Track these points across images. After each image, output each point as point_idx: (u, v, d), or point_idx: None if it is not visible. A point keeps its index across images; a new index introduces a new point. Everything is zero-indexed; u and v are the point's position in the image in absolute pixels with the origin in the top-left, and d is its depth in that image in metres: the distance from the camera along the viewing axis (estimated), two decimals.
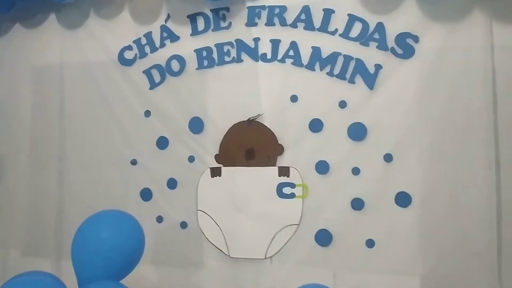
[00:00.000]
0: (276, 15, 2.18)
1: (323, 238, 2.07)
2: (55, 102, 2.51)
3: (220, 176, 2.23)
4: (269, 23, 2.19)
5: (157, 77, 2.35)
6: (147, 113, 2.36)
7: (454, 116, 1.92)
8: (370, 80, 2.04)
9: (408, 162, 1.98)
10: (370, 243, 2.01)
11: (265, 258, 2.14)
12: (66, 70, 2.50)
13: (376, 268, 1.99)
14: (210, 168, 2.24)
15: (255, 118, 2.18)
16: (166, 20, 2.35)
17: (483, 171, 1.88)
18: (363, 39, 2.06)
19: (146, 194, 2.34)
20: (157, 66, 2.35)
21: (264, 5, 2.20)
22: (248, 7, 2.22)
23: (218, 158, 2.24)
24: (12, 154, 2.59)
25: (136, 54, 2.39)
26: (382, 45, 2.03)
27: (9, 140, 2.60)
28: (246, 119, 2.19)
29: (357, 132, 2.05)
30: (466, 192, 1.90)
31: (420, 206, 1.96)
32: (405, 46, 2.00)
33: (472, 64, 1.92)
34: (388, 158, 2.00)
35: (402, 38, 2.01)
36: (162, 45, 2.35)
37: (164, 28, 2.35)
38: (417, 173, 1.96)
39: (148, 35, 2.37)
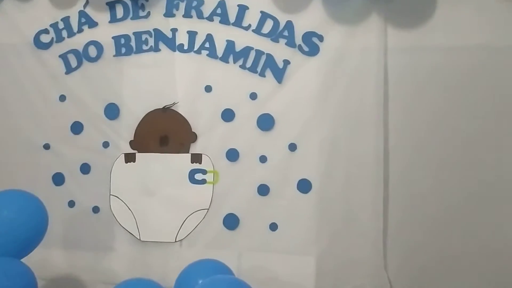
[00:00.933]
0: (194, 8, 2.26)
1: (231, 222, 2.18)
2: None
3: (134, 162, 2.28)
4: (187, 15, 2.27)
5: (73, 62, 2.35)
6: (62, 98, 2.35)
7: (349, 111, 2.11)
8: (279, 74, 2.18)
9: (309, 151, 2.14)
10: (273, 226, 2.15)
11: (175, 241, 2.21)
12: None
13: (278, 249, 2.13)
14: (124, 154, 2.29)
15: (170, 106, 2.25)
16: (84, 6, 2.36)
17: (373, 162, 2.07)
18: (274, 35, 2.19)
19: (58, 179, 2.33)
20: (74, 51, 2.35)
21: None
22: None
23: (132, 144, 2.28)
24: None
25: (52, 38, 2.37)
26: (291, 42, 2.18)
27: None
28: (161, 107, 2.26)
29: (265, 122, 2.18)
30: (357, 180, 2.09)
31: (317, 192, 2.12)
32: (310, 44, 2.16)
33: (368, 63, 2.10)
34: (292, 147, 2.15)
35: (308, 36, 2.16)
36: (80, 30, 2.36)
37: (82, 14, 2.35)
38: (316, 162, 2.13)
39: (66, 20, 2.36)
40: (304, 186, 2.13)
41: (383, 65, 2.10)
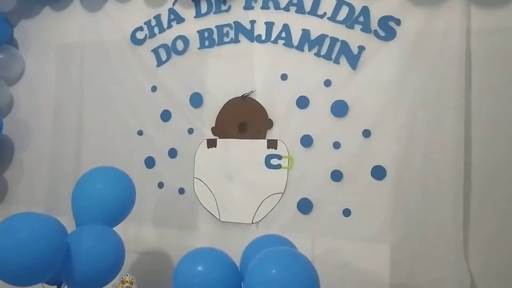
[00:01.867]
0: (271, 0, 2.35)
1: (304, 206, 2.23)
2: (75, 76, 2.78)
3: (215, 147, 2.43)
4: (264, 6, 2.36)
5: (163, 56, 2.57)
6: (154, 88, 2.59)
7: (428, 96, 2.04)
8: (353, 60, 2.18)
9: (384, 138, 2.11)
10: (346, 212, 2.15)
11: (252, 223, 2.32)
12: (86, 49, 2.76)
13: (350, 235, 2.13)
14: (207, 139, 2.45)
15: (249, 94, 2.36)
16: (173, 4, 2.56)
17: (453, 149, 1.98)
18: (349, 22, 2.20)
19: (149, 162, 2.57)
20: (164, 46, 2.57)
21: None
22: None
23: (214, 130, 2.44)
24: (37, 122, 2.89)
25: (146, 35, 2.62)
26: (366, 28, 2.16)
27: (35, 110, 2.90)
28: (240, 95, 2.38)
29: (339, 109, 2.19)
30: (436, 168, 2.01)
31: (393, 179, 2.08)
32: (387, 28, 2.13)
33: (449, 46, 2.02)
34: (366, 133, 2.14)
35: (384, 21, 2.13)
36: (169, 26, 2.57)
37: (171, 11, 2.56)
38: (392, 149, 2.09)
39: (158, 17, 2.59)
40: (378, 173, 2.11)
41: (465, 48, 1.99)
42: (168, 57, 2.56)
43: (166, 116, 2.55)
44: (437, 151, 2.02)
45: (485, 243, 1.94)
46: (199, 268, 1.52)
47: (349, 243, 2.14)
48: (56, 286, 1.81)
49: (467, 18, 2.00)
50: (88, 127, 2.75)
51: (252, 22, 2.39)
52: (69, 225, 2.62)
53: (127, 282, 1.88)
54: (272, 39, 2.34)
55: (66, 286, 1.77)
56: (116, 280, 1.87)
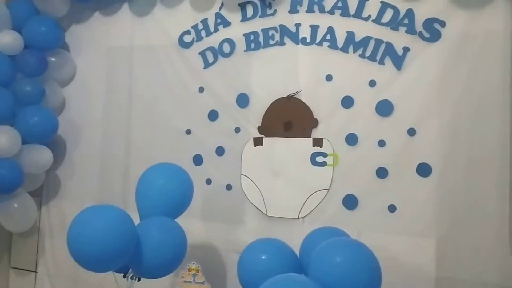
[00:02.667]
0: (316, 3, 2.44)
1: (350, 202, 2.32)
2: (125, 79, 2.92)
3: (261, 145, 2.54)
4: (309, 10, 2.45)
5: (210, 58, 2.69)
6: (201, 89, 2.71)
7: (473, 95, 2.10)
8: (398, 61, 2.26)
9: (429, 136, 2.18)
10: (392, 208, 2.23)
11: (298, 218, 2.42)
12: (134, 52, 2.90)
13: (396, 230, 2.21)
14: (253, 138, 2.55)
15: (294, 95, 2.46)
16: (220, 8, 2.68)
17: (497, 146, 2.05)
18: (394, 24, 2.27)
19: (197, 160, 2.69)
20: (211, 48, 2.69)
21: None
22: None
23: (260, 129, 2.54)
24: (88, 122, 3.04)
25: (193, 38, 2.74)
26: (411, 30, 2.24)
27: (87, 111, 3.05)
28: (286, 96, 2.48)
29: (384, 108, 2.27)
30: (481, 165, 2.08)
31: (438, 176, 2.15)
32: (432, 30, 2.20)
33: (493, 47, 2.08)
34: (411, 132, 2.21)
35: (429, 23, 2.20)
36: (216, 30, 2.68)
37: (218, 15, 2.68)
38: (437, 146, 2.16)
39: (204, 21, 2.71)
40: (423, 170, 2.18)
41: (510, 49, 2.05)
42: (215, 59, 2.68)
43: (213, 115, 2.67)
44: (482, 148, 2.09)
45: None
46: (263, 257, 1.62)
47: (394, 237, 2.22)
48: (122, 274, 1.94)
49: (511, 19, 2.06)
50: (137, 126, 2.87)
51: (297, 25, 2.48)
52: None
53: (193, 270, 2.00)
54: (317, 41, 2.43)
55: (131, 274, 1.90)
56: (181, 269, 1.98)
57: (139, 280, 1.93)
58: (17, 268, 3.24)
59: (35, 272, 3.18)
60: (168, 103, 2.79)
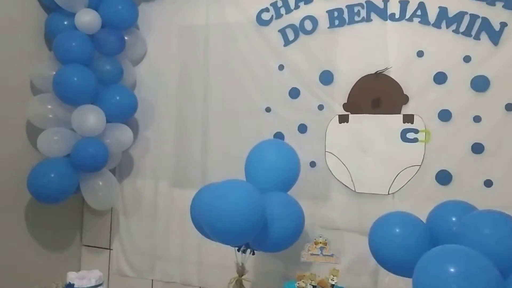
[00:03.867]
0: None
1: (444, 177, 2.34)
2: (200, 57, 2.91)
3: (347, 122, 2.55)
4: None
5: (291, 35, 2.68)
6: (281, 67, 2.71)
7: None
8: (495, 36, 2.25)
9: None
10: (488, 183, 2.26)
11: (388, 194, 2.45)
12: (210, 30, 2.88)
13: (493, 204, 2.19)
14: (339, 115, 2.57)
15: (383, 71, 2.46)
16: None
17: None
18: None
19: (279, 137, 2.70)
20: (291, 26, 2.68)
21: None
22: None
23: (346, 106, 2.55)
24: (162, 101, 3.05)
25: (272, 16, 2.73)
26: (508, 4, 2.22)
27: (160, 90, 3.06)
28: (373, 72, 2.48)
29: (480, 83, 2.27)
30: None
31: None
32: None
33: None
34: (509, 107, 2.22)
35: None
36: (297, 7, 2.67)
37: None
38: None
39: None
40: None
41: None
42: (296, 36, 2.67)
43: (294, 93, 2.67)
44: None
45: None
46: (396, 230, 1.66)
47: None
48: (237, 248, 1.98)
49: None
50: (214, 104, 2.88)
51: (385, 1, 2.47)
52: None
53: (320, 243, 2.04)
54: (407, 17, 2.42)
55: (247, 248, 1.94)
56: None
57: (253, 254, 1.98)
58: (89, 246, 3.31)
59: (109, 249, 3.24)
60: (246, 81, 2.79)
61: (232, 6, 2.83)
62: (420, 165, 2.39)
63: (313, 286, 1.90)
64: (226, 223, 1.68)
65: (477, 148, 2.28)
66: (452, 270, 1.30)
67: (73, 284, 1.92)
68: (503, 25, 2.23)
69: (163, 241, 3.05)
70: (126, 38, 2.93)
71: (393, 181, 2.44)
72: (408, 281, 2.05)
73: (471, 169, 2.29)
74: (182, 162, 2.99)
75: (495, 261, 1.34)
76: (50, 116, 2.63)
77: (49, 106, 2.63)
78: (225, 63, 2.86)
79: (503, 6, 2.24)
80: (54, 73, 2.61)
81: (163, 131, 3.05)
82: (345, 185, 2.54)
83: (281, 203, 1.88)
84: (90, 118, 2.59)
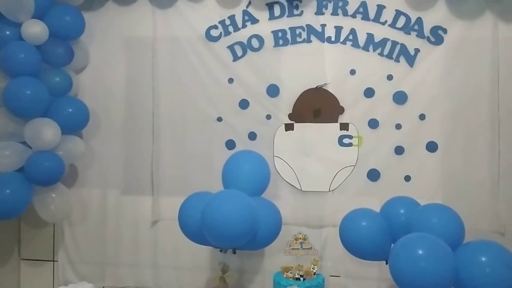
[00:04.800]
0: (340, 7, 2.85)
1: (373, 175, 2.84)
2: (147, 67, 3.02)
3: (292, 130, 2.91)
4: (334, 13, 2.85)
5: (239, 52, 2.95)
6: (230, 80, 2.96)
7: (468, 88, 2.73)
8: (411, 59, 2.79)
9: (435, 119, 2.77)
10: (407, 178, 2.80)
11: (329, 190, 2.87)
12: (157, 42, 3.01)
13: (411, 195, 2.69)
14: (285, 124, 2.91)
15: (322, 86, 2.86)
16: (247, 6, 2.93)
17: (488, 126, 2.71)
18: (406, 29, 2.79)
19: (230, 144, 2.96)
20: (240, 43, 2.94)
21: None
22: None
23: (291, 116, 2.91)
24: (107, 111, 3.08)
25: (221, 32, 2.96)
26: (420, 34, 2.78)
27: (105, 100, 3.08)
28: (314, 87, 2.87)
29: (400, 97, 2.80)
30: (476, 142, 2.73)
31: (443, 151, 2.76)
32: (436, 35, 2.76)
33: (483, 50, 2.71)
34: (422, 117, 2.78)
35: (435, 29, 2.76)
36: (244, 26, 2.94)
37: (245, 12, 2.93)
38: (442, 128, 2.76)
39: (232, 18, 2.94)
40: (431, 147, 2.77)
41: (496, 53, 2.70)
42: (244, 53, 2.95)
43: (244, 104, 2.95)
44: (476, 128, 2.73)
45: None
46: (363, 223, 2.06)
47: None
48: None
49: (496, 29, 2.70)
50: (164, 114, 3.00)
51: (323, 25, 2.87)
52: (155, 205, 2.97)
53: (300, 238, 2.34)
54: (341, 40, 2.85)
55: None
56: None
57: (234, 253, 2.23)
58: (29, 259, 3.22)
59: (53, 261, 3.19)
60: (197, 93, 2.98)
61: (180, 21, 2.99)
62: (354, 165, 2.85)
63: (301, 275, 2.24)
64: (230, 228, 1.91)
65: (399, 150, 2.81)
66: (420, 252, 1.74)
67: None
68: (417, 50, 2.78)
69: (114, 248, 3.10)
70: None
71: (333, 179, 2.86)
72: (346, 264, 2.54)
73: (394, 167, 2.81)
74: (132, 170, 3.07)
75: (444, 240, 1.81)
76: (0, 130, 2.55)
77: None
78: (175, 74, 3.01)
79: (416, 35, 2.78)
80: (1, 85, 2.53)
81: (110, 140, 3.09)
82: (292, 185, 2.90)
83: (265, 206, 2.16)
84: (47, 131, 2.57)
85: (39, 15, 2.71)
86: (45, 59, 2.74)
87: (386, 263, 2.05)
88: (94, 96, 3.11)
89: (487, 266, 1.78)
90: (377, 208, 2.54)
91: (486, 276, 1.77)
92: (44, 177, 2.59)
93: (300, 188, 2.90)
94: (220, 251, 2.33)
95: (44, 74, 2.72)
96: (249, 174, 2.31)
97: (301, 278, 2.28)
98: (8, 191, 2.49)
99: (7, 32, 2.66)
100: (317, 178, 2.88)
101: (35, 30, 2.64)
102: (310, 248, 2.37)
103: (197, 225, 2.09)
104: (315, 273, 2.32)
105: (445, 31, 2.76)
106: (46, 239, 3.21)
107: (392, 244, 2.05)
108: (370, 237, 2.12)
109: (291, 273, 2.29)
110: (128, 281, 3.10)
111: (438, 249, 1.76)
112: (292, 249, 2.35)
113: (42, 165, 2.57)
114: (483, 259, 1.80)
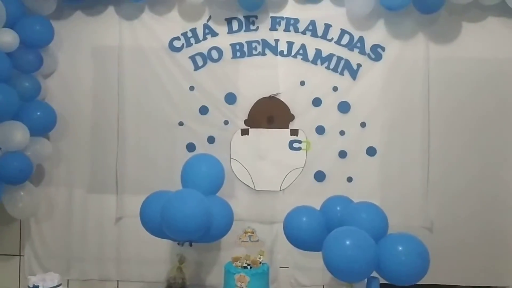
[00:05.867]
0: (292, 25, 3.14)
1: (319, 176, 3.15)
2: (113, 75, 3.22)
3: (248, 135, 3.19)
4: (286, 29, 3.15)
5: (200, 62, 3.20)
6: (192, 88, 3.21)
7: (404, 100, 3.08)
8: (354, 73, 3.12)
9: (375, 127, 3.10)
10: (349, 179, 3.12)
11: (280, 190, 3.16)
12: (123, 51, 3.22)
13: (352, 195, 3.00)
14: (241, 129, 3.19)
15: (275, 95, 3.15)
16: (208, 20, 3.19)
17: (420, 134, 3.07)
18: (350, 46, 3.11)
19: (191, 147, 3.21)
20: (200, 54, 3.20)
21: (283, 17, 3.13)
22: (271, 17, 3.14)
23: (246, 122, 3.18)
24: (73, 113, 3.26)
25: (183, 44, 3.21)
26: (362, 51, 3.11)
27: (72, 104, 3.26)
28: (268, 96, 3.16)
29: (344, 107, 3.12)
30: (409, 147, 3.08)
31: (381, 155, 3.10)
32: (376, 53, 3.10)
33: (416, 67, 3.07)
34: (363, 124, 3.11)
35: (374, 47, 3.10)
36: (205, 38, 3.20)
37: (206, 26, 3.19)
38: (381, 135, 3.10)
39: (193, 30, 3.19)
40: (371, 151, 3.11)
41: (427, 70, 3.06)
42: (205, 63, 3.20)
43: (204, 110, 3.21)
44: (409, 136, 3.08)
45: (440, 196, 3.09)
46: (303, 219, 2.37)
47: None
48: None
49: (427, 49, 3.07)
50: (129, 118, 3.22)
51: (276, 40, 3.16)
52: (119, 202, 3.19)
53: (249, 232, 2.61)
54: (293, 54, 3.15)
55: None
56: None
57: (191, 245, 2.49)
58: None
59: (20, 256, 3.35)
60: (161, 99, 3.20)
61: (145, 32, 3.21)
62: (303, 167, 3.15)
63: (248, 264, 2.52)
64: (186, 223, 2.18)
65: (342, 154, 3.13)
66: (347, 242, 2.05)
67: (38, 286, 2.16)
68: (359, 65, 3.11)
69: (79, 243, 3.29)
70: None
71: (283, 180, 3.16)
72: (294, 256, 2.84)
73: (338, 169, 3.13)
74: (97, 170, 3.28)
75: (369, 233, 2.14)
76: None
77: None
78: (140, 81, 3.23)
79: (358, 52, 3.12)
80: None
81: (76, 142, 3.28)
82: (247, 185, 3.18)
83: (219, 204, 2.43)
84: (16, 133, 2.74)
85: (10, 24, 2.88)
86: (16, 66, 2.89)
87: None
88: (61, 100, 3.28)
89: (402, 255, 2.11)
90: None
91: (402, 263, 2.10)
92: (13, 176, 2.76)
93: (254, 188, 3.18)
94: (178, 244, 2.58)
95: (14, 79, 2.88)
96: (205, 175, 2.58)
97: (248, 267, 2.56)
98: None
99: None
100: (269, 179, 3.17)
101: (7, 38, 2.79)
102: (257, 241, 2.65)
103: (157, 220, 2.34)
104: (261, 262, 2.61)
105: (383, 49, 3.10)
106: (12, 235, 3.35)
107: None
108: (309, 231, 2.42)
109: (240, 262, 2.57)
110: (92, 274, 3.29)
111: (362, 240, 2.07)
112: (242, 241, 2.62)
113: (11, 165, 2.74)
114: (400, 248, 2.13)
